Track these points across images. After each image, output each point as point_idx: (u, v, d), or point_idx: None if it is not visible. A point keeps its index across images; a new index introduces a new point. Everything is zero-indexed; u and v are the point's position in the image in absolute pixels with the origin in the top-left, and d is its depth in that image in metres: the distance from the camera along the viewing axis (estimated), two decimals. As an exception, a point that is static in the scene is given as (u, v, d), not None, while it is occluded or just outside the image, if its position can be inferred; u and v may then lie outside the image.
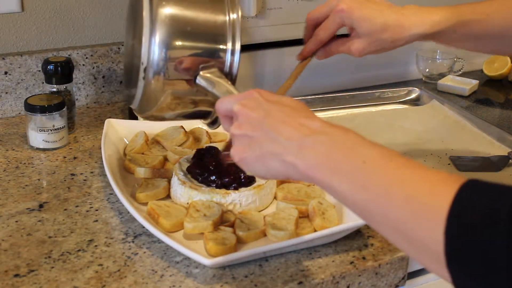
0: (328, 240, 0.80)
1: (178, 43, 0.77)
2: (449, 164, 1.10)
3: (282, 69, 1.31)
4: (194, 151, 0.93)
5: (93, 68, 1.24)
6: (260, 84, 1.31)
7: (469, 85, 1.42)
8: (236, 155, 0.63)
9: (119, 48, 1.24)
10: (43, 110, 1.02)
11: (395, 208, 0.53)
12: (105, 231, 0.82)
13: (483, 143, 1.19)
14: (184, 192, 0.86)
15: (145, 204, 0.85)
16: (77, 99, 1.22)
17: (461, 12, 0.87)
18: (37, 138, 1.04)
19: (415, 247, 0.52)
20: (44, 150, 1.04)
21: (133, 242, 0.80)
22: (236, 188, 0.86)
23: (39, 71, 1.17)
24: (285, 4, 1.26)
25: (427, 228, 0.50)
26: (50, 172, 0.98)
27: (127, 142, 1.03)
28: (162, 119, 0.86)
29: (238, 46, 0.79)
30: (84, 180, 0.96)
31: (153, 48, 0.76)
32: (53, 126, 1.03)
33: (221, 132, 1.05)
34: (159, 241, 0.80)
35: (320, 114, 1.30)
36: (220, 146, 0.98)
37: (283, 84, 0.88)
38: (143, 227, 0.81)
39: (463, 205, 0.49)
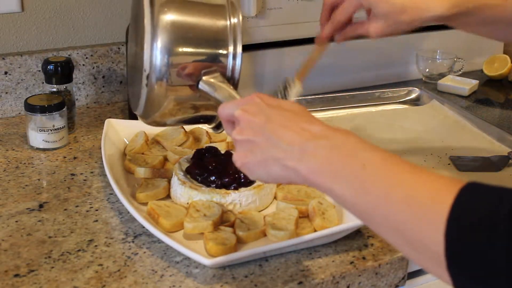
0: (328, 240, 0.80)
1: (180, 49, 0.77)
2: (449, 164, 1.10)
3: (282, 69, 1.31)
4: (194, 151, 0.93)
5: (93, 68, 1.24)
6: (260, 84, 1.31)
7: (469, 85, 1.41)
8: (238, 160, 0.64)
9: (119, 48, 1.24)
10: (43, 110, 1.02)
11: (396, 211, 0.53)
12: (105, 231, 0.82)
13: (483, 143, 1.19)
14: (184, 192, 0.86)
15: (145, 204, 0.85)
16: (77, 99, 1.22)
17: None
18: (37, 138, 1.04)
19: (415, 249, 0.52)
20: (44, 150, 1.04)
21: (133, 242, 0.80)
22: (236, 188, 0.86)
23: (39, 71, 1.17)
24: (285, 4, 1.26)
25: (428, 230, 0.50)
26: (50, 172, 0.98)
27: (127, 142, 1.03)
28: (165, 124, 0.86)
29: (239, 50, 0.79)
30: (84, 180, 0.96)
31: (155, 54, 0.76)
32: (53, 126, 1.03)
33: (221, 132, 1.05)
34: (159, 241, 0.80)
35: (320, 114, 1.30)
36: (220, 146, 0.98)
37: (299, 70, 0.87)
38: (143, 227, 0.81)
39: (463, 208, 0.49)
